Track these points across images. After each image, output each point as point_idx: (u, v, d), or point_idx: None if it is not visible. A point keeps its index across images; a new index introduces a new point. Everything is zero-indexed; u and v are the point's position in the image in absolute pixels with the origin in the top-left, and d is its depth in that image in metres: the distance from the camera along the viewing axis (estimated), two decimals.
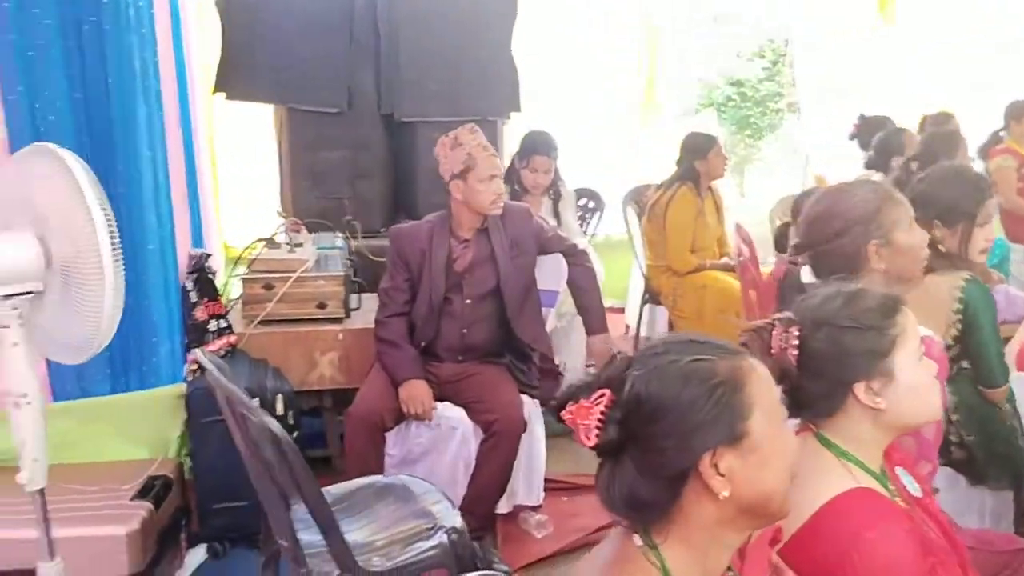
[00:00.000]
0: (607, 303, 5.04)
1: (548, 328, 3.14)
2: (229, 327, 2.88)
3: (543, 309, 3.01)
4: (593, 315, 2.99)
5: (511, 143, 4.17)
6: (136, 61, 2.63)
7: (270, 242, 3.13)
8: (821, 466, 1.33)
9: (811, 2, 5.24)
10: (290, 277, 2.97)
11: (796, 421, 1.41)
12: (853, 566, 1.23)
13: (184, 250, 2.97)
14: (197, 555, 2.79)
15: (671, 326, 4.37)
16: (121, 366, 2.80)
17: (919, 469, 1.61)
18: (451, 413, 2.77)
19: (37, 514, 1.88)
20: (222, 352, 2.77)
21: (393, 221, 3.05)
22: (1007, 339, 2.30)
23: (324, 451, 3.15)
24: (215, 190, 4.33)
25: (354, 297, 3.18)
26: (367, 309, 3.08)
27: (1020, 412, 2.25)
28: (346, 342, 3.03)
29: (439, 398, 2.76)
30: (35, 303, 1.82)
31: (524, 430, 2.70)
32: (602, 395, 1.07)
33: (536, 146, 3.79)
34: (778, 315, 1.35)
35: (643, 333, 4.68)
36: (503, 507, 2.87)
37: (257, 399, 2.74)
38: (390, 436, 2.77)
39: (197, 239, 3.42)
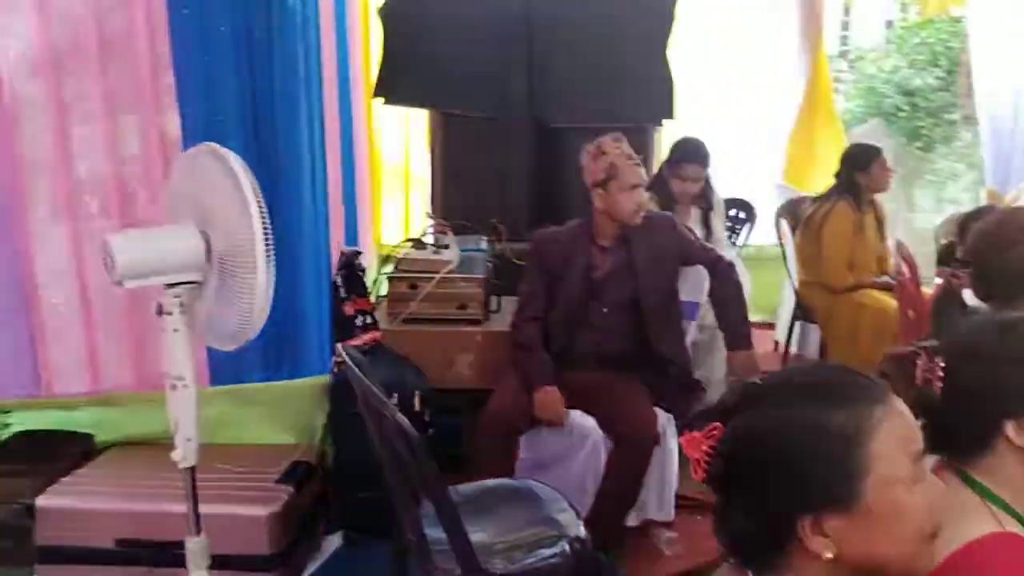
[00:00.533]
0: (755, 318, 4.89)
1: (689, 341, 3.07)
2: (375, 323, 2.98)
3: (684, 322, 2.95)
4: (735, 330, 2.90)
5: (665, 150, 4.11)
6: (300, 67, 2.76)
7: (417, 243, 3.22)
8: (961, 505, 1.22)
9: (989, 10, 4.88)
10: (433, 277, 3.04)
11: (935, 457, 1.30)
12: None
13: (338, 248, 3.10)
14: (334, 542, 2.90)
15: (823, 346, 4.19)
16: (274, 355, 2.95)
17: None
18: (583, 422, 2.76)
19: (186, 490, 2.01)
20: (366, 347, 2.87)
21: (539, 226, 3.07)
22: None
23: (459, 450, 3.20)
24: (376, 191, 4.51)
25: (494, 300, 3.22)
26: (506, 312, 3.12)
27: None
28: (484, 343, 3.07)
29: (571, 406, 2.75)
30: (195, 293, 1.95)
31: (656, 444, 2.65)
32: (714, 429, 1.01)
33: (687, 154, 3.72)
34: (924, 343, 1.26)
35: (793, 351, 4.52)
36: (632, 521, 2.83)
37: (396, 394, 2.82)
38: (522, 440, 2.78)
39: (352, 238, 3.57)
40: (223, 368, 2.90)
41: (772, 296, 4.79)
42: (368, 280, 3.24)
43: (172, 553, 2.12)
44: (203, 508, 2.14)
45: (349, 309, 2.94)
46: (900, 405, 1.01)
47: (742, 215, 4.64)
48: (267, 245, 1.86)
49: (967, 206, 5.34)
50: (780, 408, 0.99)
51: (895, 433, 0.98)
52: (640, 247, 2.79)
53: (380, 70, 3.89)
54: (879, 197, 4.04)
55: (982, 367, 1.22)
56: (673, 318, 2.88)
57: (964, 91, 6.28)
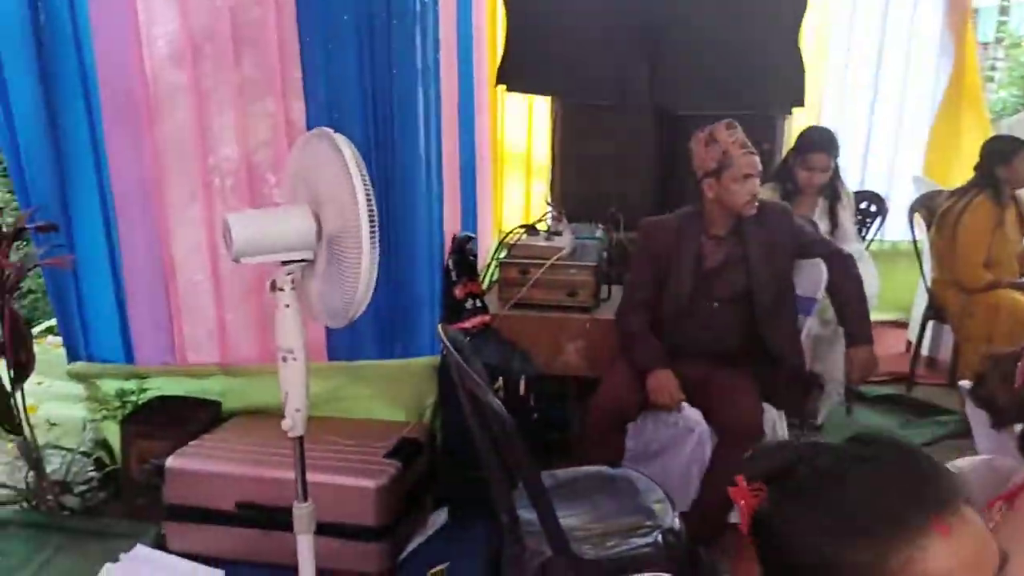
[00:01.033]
0: (887, 316, 4.71)
1: (807, 335, 2.98)
2: (484, 307, 3.04)
3: (799, 316, 2.86)
4: (853, 325, 2.77)
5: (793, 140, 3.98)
6: (418, 56, 2.83)
7: (530, 229, 3.25)
8: None
9: None
10: (545, 264, 3.06)
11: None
12: None
13: (452, 232, 3.17)
14: (439, 518, 2.98)
15: (956, 348, 3.97)
16: (388, 335, 3.05)
17: None
18: (690, 413, 2.72)
19: (295, 458, 2.11)
20: (475, 330, 2.93)
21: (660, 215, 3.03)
22: None
23: (565, 436, 3.23)
24: (499, 178, 4.57)
25: (605, 288, 3.22)
26: (617, 300, 3.10)
27: None
28: (593, 331, 3.07)
29: None
30: (306, 271, 2.04)
31: (760, 440, 2.58)
32: (758, 489, 0.92)
33: (815, 142, 3.59)
34: None
35: (924, 352, 4.30)
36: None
37: (501, 378, 2.87)
38: (628, 428, 2.77)
39: (470, 223, 3.64)
40: (340, 345, 3.03)
41: (906, 294, 4.57)
42: (481, 264, 3.30)
43: (287, 518, 2.23)
44: (314, 477, 2.25)
45: (459, 292, 3.00)
46: (966, 524, 0.82)
47: (872, 208, 4.43)
48: (373, 229, 1.92)
49: None
50: (807, 513, 0.86)
51: (943, 564, 0.81)
52: (754, 238, 2.71)
53: (503, 57, 3.93)
54: (1021, 193, 3.78)
55: None
56: (787, 312, 2.79)
57: None
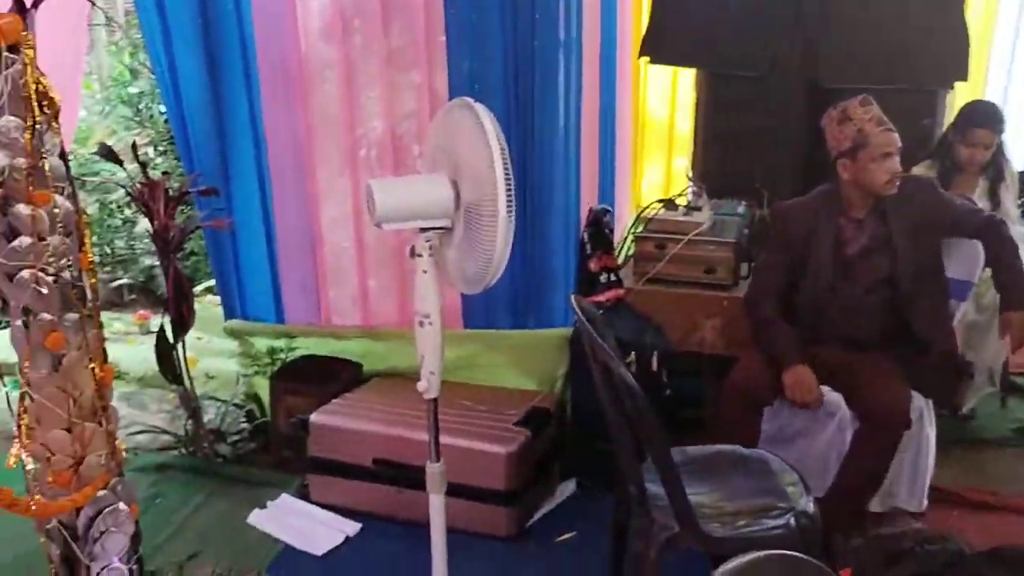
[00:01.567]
0: None
1: (960, 321, 2.81)
2: (619, 280, 3.02)
3: (951, 301, 2.70)
4: (1009, 290, 2.53)
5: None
6: (560, 27, 2.83)
7: (669, 203, 3.20)
8: None
9: None
10: (682, 239, 3.01)
11: None
12: None
13: (588, 204, 3.16)
14: (567, 488, 3.01)
15: None
16: (523, 305, 3.10)
17: None
18: (831, 397, 2.62)
19: (429, 420, 2.18)
20: (608, 303, 2.92)
21: (806, 192, 2.92)
22: None
23: (698, 413, 3.18)
24: (639, 151, 4.52)
25: (745, 266, 3.13)
26: None
27: None
28: (730, 309, 3.00)
29: (820, 381, 2.62)
30: (444, 238, 2.09)
31: (907, 428, 2.46)
32: None
33: (977, 117, 3.36)
34: None
35: None
36: (877, 506, 2.66)
37: (633, 352, 2.86)
38: (766, 411, 2.70)
39: (608, 196, 3.62)
40: (475, 313, 3.10)
41: None
42: (617, 238, 3.28)
43: (419, 477, 2.31)
44: (446, 440, 2.31)
45: (594, 265, 3.00)
46: None
47: None
48: (510, 199, 1.94)
49: None
50: None
51: None
52: (898, 218, 2.56)
53: (647, 28, 3.86)
54: None
55: None
56: (937, 296, 2.64)
57: None
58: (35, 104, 1.85)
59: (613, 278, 3.02)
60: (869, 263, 2.61)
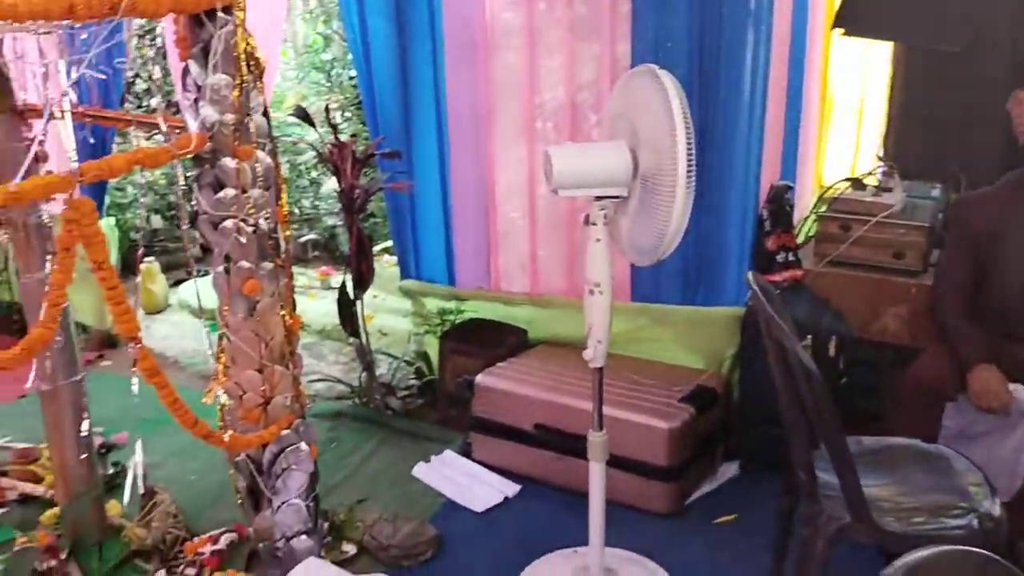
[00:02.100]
0: None
1: None
2: (797, 261, 2.91)
3: None
4: None
5: None
6: None
7: (856, 183, 3.03)
8: None
9: None
10: (869, 220, 2.85)
11: None
12: None
13: (769, 180, 3.05)
14: (730, 470, 2.95)
15: None
16: (693, 280, 3.03)
17: None
18: (1020, 395, 2.43)
19: (594, 389, 2.19)
20: (784, 283, 2.82)
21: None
22: None
23: (874, 405, 3.02)
24: (824, 127, 4.31)
25: (936, 252, 2.93)
26: None
27: None
28: (918, 298, 2.81)
29: (1012, 379, 2.42)
30: (619, 207, 2.09)
31: None
32: None
33: None
34: None
35: None
36: None
37: (810, 336, 2.75)
38: (949, 406, 2.54)
39: (790, 172, 3.48)
40: (644, 286, 3.07)
41: None
42: (797, 217, 3.15)
43: (579, 445, 2.33)
44: (609, 411, 2.33)
45: (771, 244, 2.89)
46: None
47: None
48: (689, 169, 1.91)
49: None
50: None
51: None
52: None
53: (843, 1, 3.67)
54: None
55: None
56: None
57: None
58: (243, 63, 1.98)
59: (791, 258, 2.91)
60: None
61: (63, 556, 2.44)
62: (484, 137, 3.27)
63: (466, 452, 3.08)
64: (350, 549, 2.56)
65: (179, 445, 2.91)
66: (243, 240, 2.09)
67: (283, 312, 2.23)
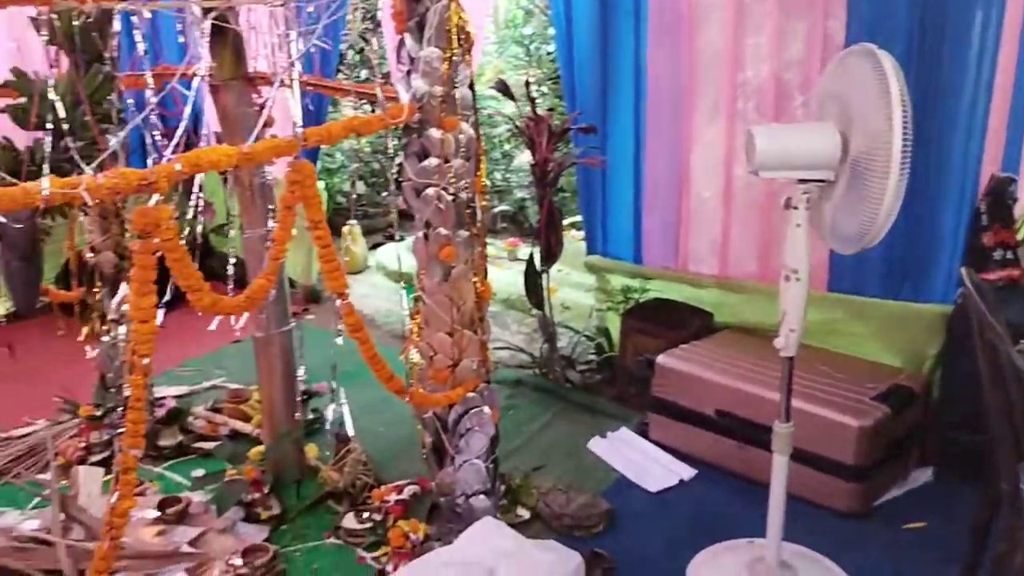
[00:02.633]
0: None
1: None
2: (1016, 260, 2.68)
3: None
4: None
5: None
6: None
7: None
8: None
9: None
10: None
11: None
12: None
13: (989, 171, 2.82)
14: (923, 475, 2.78)
15: None
16: (897, 273, 2.87)
17: None
18: None
19: (783, 378, 2.13)
20: (999, 283, 2.61)
21: None
22: None
23: None
24: None
25: None
26: None
27: None
28: None
29: None
30: (824, 191, 2.00)
31: None
32: None
33: None
34: None
35: None
36: None
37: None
38: None
39: (1014, 164, 3.21)
40: (842, 276, 2.94)
41: None
42: (1019, 212, 2.90)
43: (762, 435, 2.28)
44: (797, 403, 2.25)
45: (988, 240, 2.68)
46: None
47: None
48: (904, 154, 1.80)
49: None
50: None
51: None
52: None
53: None
54: None
55: None
56: None
57: None
58: (455, 37, 2.05)
59: (1009, 256, 2.68)
60: None
61: (266, 490, 2.65)
62: (682, 114, 3.22)
63: (642, 431, 3.08)
64: (524, 514, 2.64)
65: (372, 399, 3.09)
66: (443, 207, 2.18)
67: (475, 279, 2.32)
